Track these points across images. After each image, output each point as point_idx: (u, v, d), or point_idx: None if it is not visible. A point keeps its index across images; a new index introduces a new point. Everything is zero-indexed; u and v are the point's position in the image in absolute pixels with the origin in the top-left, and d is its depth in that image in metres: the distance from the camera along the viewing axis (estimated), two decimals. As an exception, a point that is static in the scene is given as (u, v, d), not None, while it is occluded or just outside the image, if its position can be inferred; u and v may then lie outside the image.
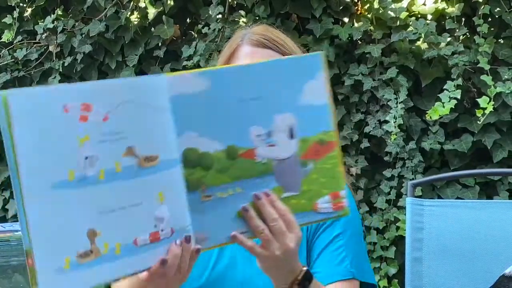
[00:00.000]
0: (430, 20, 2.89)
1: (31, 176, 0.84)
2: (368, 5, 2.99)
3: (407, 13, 2.93)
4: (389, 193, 2.81)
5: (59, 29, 3.24)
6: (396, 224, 2.78)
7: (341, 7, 2.94)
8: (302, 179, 1.05)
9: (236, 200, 1.01)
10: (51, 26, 3.25)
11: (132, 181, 0.92)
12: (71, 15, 3.31)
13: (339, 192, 1.07)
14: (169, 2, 3.14)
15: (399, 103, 2.71)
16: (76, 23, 3.26)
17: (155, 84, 0.96)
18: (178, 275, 0.98)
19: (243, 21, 2.97)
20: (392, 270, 2.80)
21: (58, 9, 3.34)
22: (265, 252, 1.02)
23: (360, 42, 2.95)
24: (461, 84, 2.67)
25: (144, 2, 3.24)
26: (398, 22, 2.89)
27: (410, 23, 2.87)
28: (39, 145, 0.85)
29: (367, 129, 2.85)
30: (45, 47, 3.34)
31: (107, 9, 3.17)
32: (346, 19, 3.01)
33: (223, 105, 1.00)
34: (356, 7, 3.03)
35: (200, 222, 0.99)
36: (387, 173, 2.82)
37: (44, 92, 0.88)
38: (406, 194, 2.10)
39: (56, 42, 3.26)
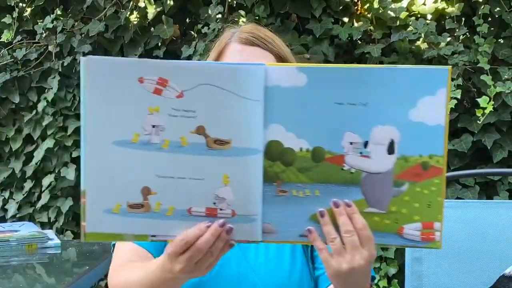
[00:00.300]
0: (430, 20, 2.89)
1: (96, 130, 0.95)
2: (368, 5, 2.99)
3: (407, 13, 2.93)
4: (389, 193, 2.80)
5: (59, 29, 3.24)
6: (396, 224, 2.78)
7: (341, 7, 2.94)
8: (392, 199, 0.99)
9: (312, 202, 0.99)
10: (50, 26, 3.25)
11: (197, 157, 0.97)
12: (70, 15, 3.31)
13: (434, 223, 0.99)
14: (168, 2, 3.14)
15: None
16: (76, 23, 3.25)
17: (250, 72, 0.96)
18: (207, 259, 0.99)
19: (242, 21, 2.96)
20: (392, 270, 2.80)
21: (57, 9, 3.34)
22: (333, 261, 0.99)
23: (360, 42, 2.95)
24: (461, 84, 2.67)
25: (144, 1, 3.24)
26: (398, 22, 2.89)
27: (410, 23, 2.87)
28: (108, 106, 0.95)
29: (367, 129, 2.85)
30: (44, 47, 3.34)
31: (106, 9, 3.17)
32: (346, 19, 3.00)
33: (318, 105, 0.96)
34: (356, 7, 3.03)
35: (270, 215, 0.99)
36: (387, 173, 2.81)
37: (122, 61, 0.97)
38: (406, 194, 2.09)
39: (56, 42, 3.26)
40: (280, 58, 1.29)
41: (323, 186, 0.98)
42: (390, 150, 0.97)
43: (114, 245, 1.29)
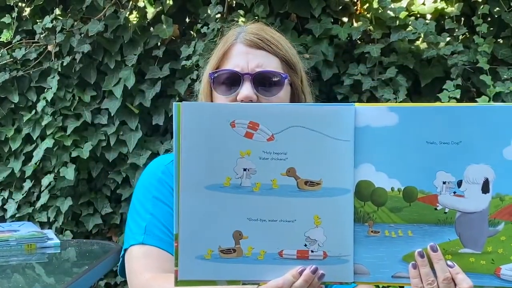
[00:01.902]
0: (430, 19, 2.89)
1: (189, 175, 0.96)
2: (367, 4, 2.99)
3: (407, 13, 2.93)
4: (388, 193, 2.80)
5: (58, 28, 3.23)
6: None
7: (340, 7, 2.94)
8: (487, 239, 0.98)
9: (405, 243, 0.99)
10: (50, 25, 3.24)
11: (288, 199, 0.98)
12: (70, 14, 3.30)
13: None
14: (168, 1, 3.14)
15: (399, 102, 2.70)
16: (75, 23, 3.25)
17: (340, 113, 0.97)
18: None
19: (242, 21, 2.96)
20: (391, 270, 2.80)
21: (57, 8, 3.34)
22: None
23: (359, 42, 2.95)
24: (461, 84, 2.66)
25: (143, 1, 3.24)
26: (397, 22, 2.89)
27: (410, 22, 2.87)
28: (202, 151, 0.96)
29: (366, 129, 2.84)
30: (44, 47, 3.34)
31: (106, 9, 3.16)
32: (345, 19, 3.00)
33: (409, 144, 0.97)
34: (355, 7, 3.03)
35: (362, 255, 0.99)
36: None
37: (214, 106, 1.00)
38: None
39: (55, 42, 3.26)
40: (286, 62, 1.27)
41: (416, 227, 0.98)
42: (485, 189, 0.97)
43: (125, 249, 1.27)
